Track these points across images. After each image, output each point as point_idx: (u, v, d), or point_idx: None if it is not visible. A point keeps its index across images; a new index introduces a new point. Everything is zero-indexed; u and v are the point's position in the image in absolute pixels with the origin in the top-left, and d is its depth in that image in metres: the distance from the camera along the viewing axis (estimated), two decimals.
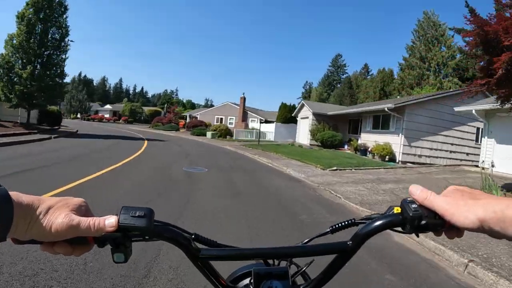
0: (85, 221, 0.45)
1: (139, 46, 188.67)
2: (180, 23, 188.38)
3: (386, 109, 14.92)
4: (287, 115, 28.91)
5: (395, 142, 15.36)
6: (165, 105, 51.79)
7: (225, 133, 28.19)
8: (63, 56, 20.13)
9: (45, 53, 18.26)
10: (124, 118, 53.07)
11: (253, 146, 18.51)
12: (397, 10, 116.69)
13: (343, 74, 66.40)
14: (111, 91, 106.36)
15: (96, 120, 50.17)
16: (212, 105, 51.87)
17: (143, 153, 11.61)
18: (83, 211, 0.48)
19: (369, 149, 16.44)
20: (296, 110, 27.03)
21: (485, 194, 0.47)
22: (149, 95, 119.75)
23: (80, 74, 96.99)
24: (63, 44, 19.48)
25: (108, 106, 63.51)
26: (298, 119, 26.65)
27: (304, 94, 72.64)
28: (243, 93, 34.46)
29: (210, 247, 0.57)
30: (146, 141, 17.44)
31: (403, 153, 15.14)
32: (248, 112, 36.37)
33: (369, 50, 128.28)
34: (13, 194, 0.41)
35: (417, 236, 0.53)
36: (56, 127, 22.69)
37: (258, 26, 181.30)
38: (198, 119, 36.38)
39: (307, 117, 23.80)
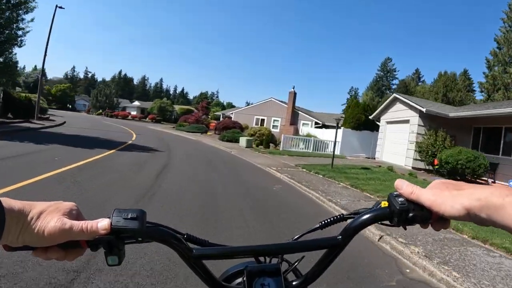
0: (78, 224, 0.44)
1: (182, 47, 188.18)
2: (224, 24, 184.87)
3: None
4: (361, 118, 19.21)
5: None
6: (199, 104, 44.37)
7: (267, 140, 19.28)
8: (24, 17, 13.17)
9: None
10: (151, 116, 46.70)
11: (322, 169, 9.34)
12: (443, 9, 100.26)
13: (392, 79, 61.90)
14: (151, 90, 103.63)
15: (120, 117, 44.26)
16: None
17: None
18: (74, 215, 0.47)
19: None
20: (380, 109, 17.32)
21: (469, 185, 0.46)
22: (190, 96, 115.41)
23: (120, 72, 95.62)
24: None
25: (136, 103, 57.74)
26: (380, 123, 17.06)
27: (349, 100, 64.56)
28: (293, 87, 25.29)
29: (202, 246, 0.56)
30: (112, 151, 9.12)
31: None
32: (299, 112, 27.04)
33: (420, 54, 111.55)
34: (3, 200, 0.40)
35: (405, 228, 0.52)
36: (21, 120, 15.56)
37: (304, 25, 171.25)
38: (232, 119, 27.87)
39: (406, 121, 14.11)
